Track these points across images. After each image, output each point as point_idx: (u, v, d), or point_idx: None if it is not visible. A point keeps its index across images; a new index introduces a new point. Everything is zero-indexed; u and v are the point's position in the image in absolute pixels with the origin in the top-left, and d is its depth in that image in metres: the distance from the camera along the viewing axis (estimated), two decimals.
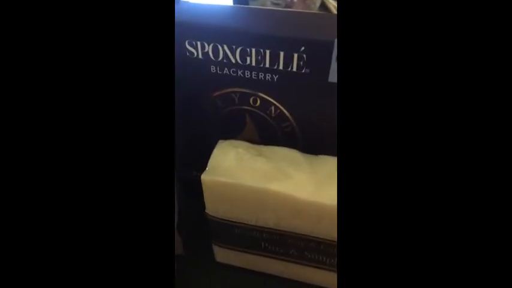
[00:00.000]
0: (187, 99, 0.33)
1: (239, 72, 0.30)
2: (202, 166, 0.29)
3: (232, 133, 0.33)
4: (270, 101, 0.31)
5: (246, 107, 0.32)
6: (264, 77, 0.29)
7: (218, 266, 0.34)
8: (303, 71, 0.28)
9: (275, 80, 0.29)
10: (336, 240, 0.28)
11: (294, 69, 0.28)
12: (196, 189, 0.29)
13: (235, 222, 0.30)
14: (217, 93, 0.32)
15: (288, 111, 0.31)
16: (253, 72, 0.29)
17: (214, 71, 0.30)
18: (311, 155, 0.30)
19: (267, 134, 0.33)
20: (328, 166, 0.28)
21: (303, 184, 0.27)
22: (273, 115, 0.32)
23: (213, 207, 0.29)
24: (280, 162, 0.28)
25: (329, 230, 0.27)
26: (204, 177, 0.28)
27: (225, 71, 0.30)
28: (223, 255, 0.33)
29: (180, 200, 0.33)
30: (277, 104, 0.31)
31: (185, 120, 0.34)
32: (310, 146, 0.31)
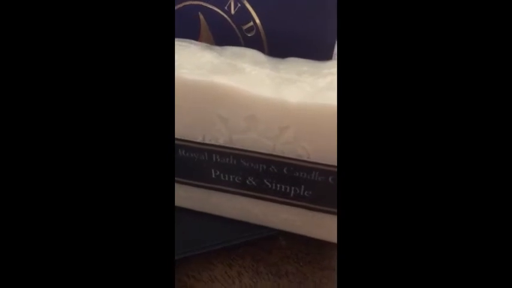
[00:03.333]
0: None
1: None
2: None
3: None
4: None
5: (199, 2, 0.26)
6: None
7: None
8: None
9: None
10: (302, 158, 0.21)
11: None
12: None
13: (177, 139, 0.23)
14: None
15: (251, 6, 0.25)
16: None
17: None
18: (277, 58, 0.23)
19: (225, 40, 0.26)
20: (296, 65, 0.22)
21: (261, 80, 0.20)
22: (232, 12, 0.25)
23: None
24: (235, 58, 0.22)
25: (294, 144, 0.21)
26: None
27: None
28: None
29: None
30: None
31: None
32: (278, 56, 0.25)
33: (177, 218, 0.26)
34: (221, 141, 0.22)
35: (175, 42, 0.23)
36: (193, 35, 0.27)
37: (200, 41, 0.27)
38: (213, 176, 0.24)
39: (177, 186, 0.26)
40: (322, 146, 0.21)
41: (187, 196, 0.26)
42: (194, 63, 0.21)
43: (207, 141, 0.23)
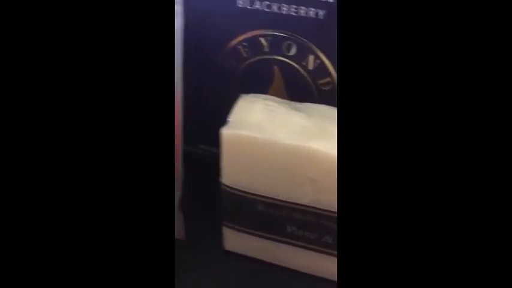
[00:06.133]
0: (198, 46, 0.25)
1: (274, 7, 0.24)
2: (212, 137, 0.23)
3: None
4: (309, 47, 0.25)
5: (276, 57, 0.26)
6: (306, 12, 0.23)
7: (225, 256, 0.27)
8: None
9: (320, 16, 0.23)
10: None
11: None
12: (202, 165, 0.26)
13: (259, 196, 0.23)
14: (241, 37, 0.26)
15: (331, 62, 0.25)
16: (291, 7, 0.23)
17: (242, 5, 0.24)
18: None
19: (298, 92, 0.27)
20: None
21: None
22: (310, 67, 0.25)
23: (233, 175, 0.23)
24: (323, 120, 0.22)
25: None
26: (226, 131, 0.21)
27: (255, 5, 0.24)
28: (234, 240, 0.27)
29: (184, 177, 0.27)
30: (319, 53, 0.25)
31: (191, 77, 0.25)
32: None
33: (245, 268, 0.26)
34: (305, 201, 0.22)
35: (260, 101, 0.23)
36: (263, 88, 0.27)
37: (271, 90, 0.27)
38: (288, 230, 0.24)
39: (247, 237, 0.26)
40: None
41: (257, 246, 0.26)
42: (287, 127, 0.21)
43: (289, 200, 0.23)
